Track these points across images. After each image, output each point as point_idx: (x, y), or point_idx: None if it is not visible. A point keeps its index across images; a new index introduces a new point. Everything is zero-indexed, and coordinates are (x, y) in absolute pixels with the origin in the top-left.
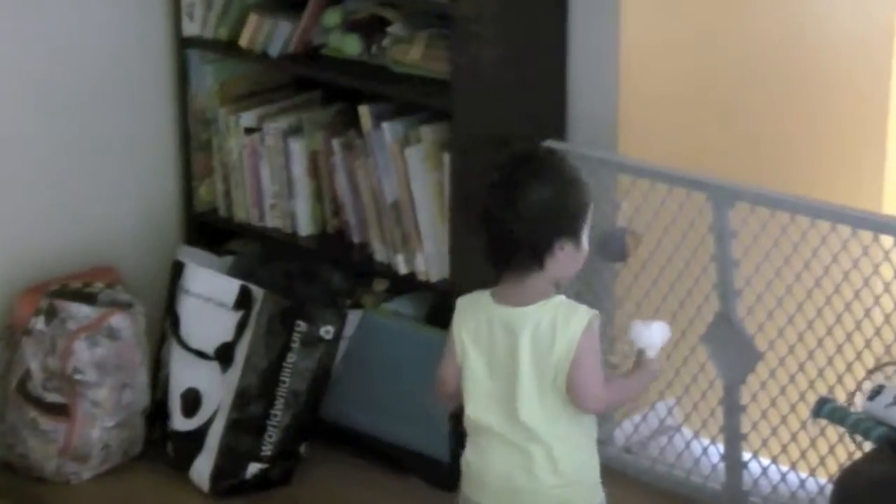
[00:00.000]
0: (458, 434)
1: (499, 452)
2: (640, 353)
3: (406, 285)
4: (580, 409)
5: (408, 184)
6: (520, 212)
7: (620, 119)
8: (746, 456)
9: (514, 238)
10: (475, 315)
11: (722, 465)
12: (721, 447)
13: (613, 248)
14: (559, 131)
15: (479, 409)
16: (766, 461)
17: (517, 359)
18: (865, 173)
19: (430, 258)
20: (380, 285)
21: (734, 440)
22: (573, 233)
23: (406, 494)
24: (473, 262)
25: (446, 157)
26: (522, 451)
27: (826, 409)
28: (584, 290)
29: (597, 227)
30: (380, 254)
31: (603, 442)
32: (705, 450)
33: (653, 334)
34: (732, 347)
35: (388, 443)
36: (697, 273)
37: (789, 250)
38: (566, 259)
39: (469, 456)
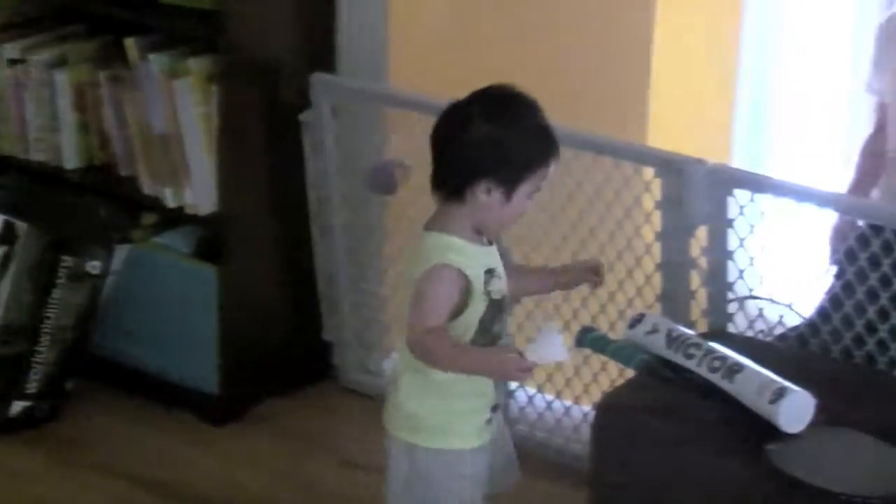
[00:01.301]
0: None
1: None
2: (512, 345)
3: (175, 219)
4: None
5: (176, 116)
6: (461, 138)
7: (391, 51)
8: (513, 385)
9: (447, 162)
10: None
11: None
12: None
13: (382, 181)
14: (329, 63)
15: None
16: (532, 390)
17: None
18: (629, 107)
19: (198, 191)
20: (148, 219)
21: None
22: (505, 181)
23: (175, 429)
24: (242, 195)
25: (215, 90)
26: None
27: (589, 338)
28: (354, 223)
29: (366, 160)
30: (148, 187)
31: (372, 373)
32: None
33: (550, 349)
34: None
35: (158, 377)
36: None
37: (554, 181)
38: (490, 205)
39: None
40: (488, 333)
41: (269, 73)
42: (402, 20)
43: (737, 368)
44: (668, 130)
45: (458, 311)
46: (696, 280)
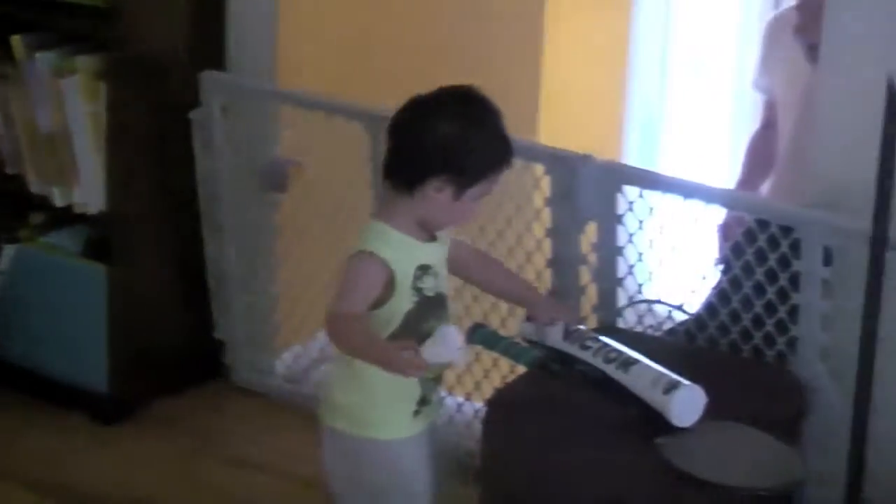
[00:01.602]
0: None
1: None
2: (415, 344)
3: (63, 218)
4: None
5: (63, 115)
6: (421, 133)
7: (280, 49)
8: None
9: (403, 153)
10: None
11: None
12: None
13: (274, 179)
14: (219, 61)
15: None
16: None
17: None
18: (520, 104)
19: (86, 190)
20: (36, 218)
21: None
22: (457, 182)
23: (65, 429)
24: (131, 194)
25: (103, 88)
26: None
27: (479, 335)
28: (244, 221)
29: (257, 158)
30: (35, 186)
31: (264, 372)
32: None
33: (443, 349)
34: None
35: (47, 377)
36: (356, 202)
37: None
38: (438, 202)
39: None
40: (416, 329)
41: (158, 70)
42: (291, 19)
43: (632, 361)
44: (558, 128)
45: (380, 302)
46: (586, 276)
